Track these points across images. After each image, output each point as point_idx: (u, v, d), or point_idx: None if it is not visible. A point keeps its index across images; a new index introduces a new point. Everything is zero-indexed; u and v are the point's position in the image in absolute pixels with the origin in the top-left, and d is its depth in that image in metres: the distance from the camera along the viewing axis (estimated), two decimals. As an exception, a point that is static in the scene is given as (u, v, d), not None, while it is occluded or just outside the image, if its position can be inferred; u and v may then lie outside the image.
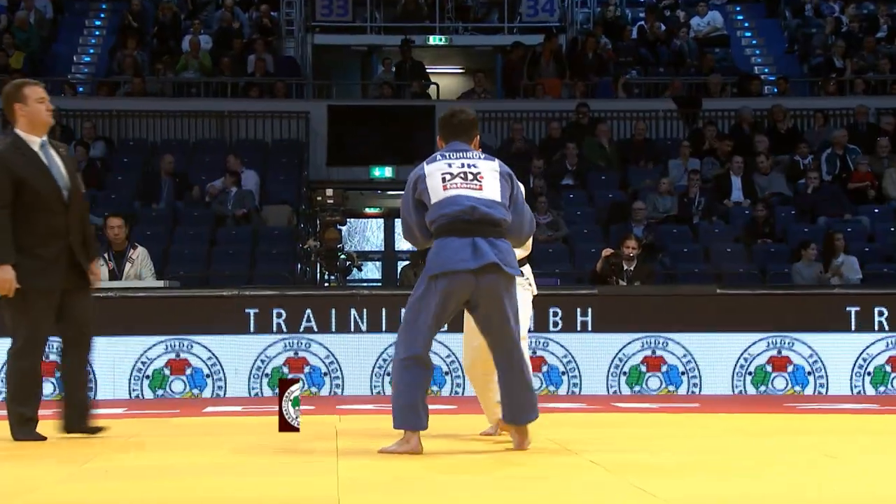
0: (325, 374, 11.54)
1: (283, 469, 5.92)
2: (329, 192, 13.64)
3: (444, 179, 6.27)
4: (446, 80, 23.11)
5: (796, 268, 15.28)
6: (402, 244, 25.67)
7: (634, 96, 20.65)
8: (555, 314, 11.59)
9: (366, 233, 26.24)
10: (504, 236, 6.30)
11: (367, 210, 24.31)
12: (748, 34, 23.29)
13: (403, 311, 6.42)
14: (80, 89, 20.85)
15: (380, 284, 23.82)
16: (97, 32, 22.66)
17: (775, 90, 20.93)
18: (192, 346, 11.43)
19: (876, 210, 17.48)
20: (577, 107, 19.15)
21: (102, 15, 23.08)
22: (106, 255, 11.87)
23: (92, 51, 22.36)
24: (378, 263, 24.98)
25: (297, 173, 19.10)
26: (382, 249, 24.93)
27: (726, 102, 20.17)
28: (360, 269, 14.40)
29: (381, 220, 24.99)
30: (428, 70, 21.67)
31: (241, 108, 19.67)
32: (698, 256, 16.71)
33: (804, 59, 21.99)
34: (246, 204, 17.28)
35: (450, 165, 6.32)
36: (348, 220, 19.84)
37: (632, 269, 12.91)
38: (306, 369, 11.53)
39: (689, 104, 20.12)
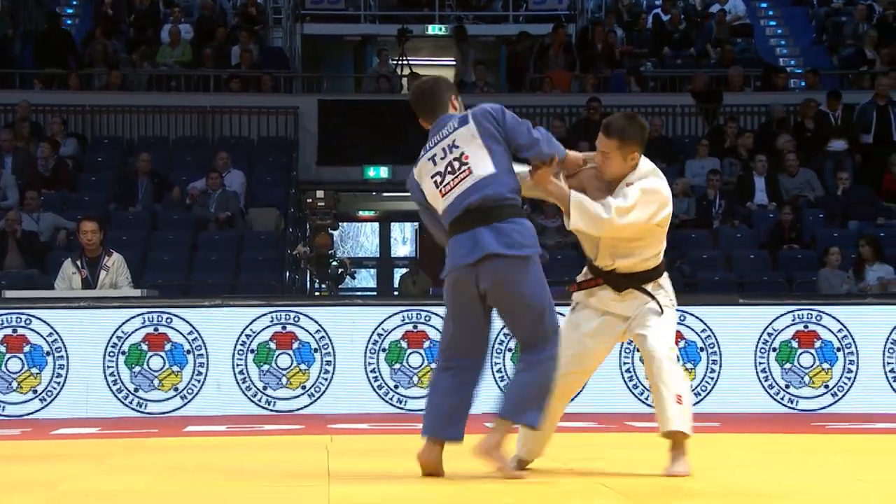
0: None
1: (271, 494, 5.97)
2: (320, 193, 13.68)
3: (436, 185, 6.29)
4: (447, 73, 23.15)
5: (823, 274, 15.32)
6: (399, 250, 25.76)
7: (649, 90, 20.68)
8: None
9: (359, 238, 26.31)
10: (515, 214, 6.20)
11: (361, 213, 24.36)
12: (773, 23, 23.34)
13: None
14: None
15: (375, 294, 23.88)
16: (69, 21, 22.70)
17: (802, 83, 20.97)
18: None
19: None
20: (588, 102, 19.18)
21: (75, 2, 23.14)
22: (79, 263, 11.87)
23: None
24: (373, 271, 25.04)
25: (285, 173, 19.14)
26: (378, 256, 24.98)
27: (749, 97, 20.21)
28: (353, 278, 14.48)
29: (375, 224, 25.04)
30: (427, 62, 21.71)
31: (225, 103, 19.71)
32: (719, 263, 16.74)
33: (833, 50, 22.03)
34: (230, 207, 17.32)
35: (434, 162, 6.29)
36: (341, 223, 19.86)
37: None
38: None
39: (708, 99, 20.15)
